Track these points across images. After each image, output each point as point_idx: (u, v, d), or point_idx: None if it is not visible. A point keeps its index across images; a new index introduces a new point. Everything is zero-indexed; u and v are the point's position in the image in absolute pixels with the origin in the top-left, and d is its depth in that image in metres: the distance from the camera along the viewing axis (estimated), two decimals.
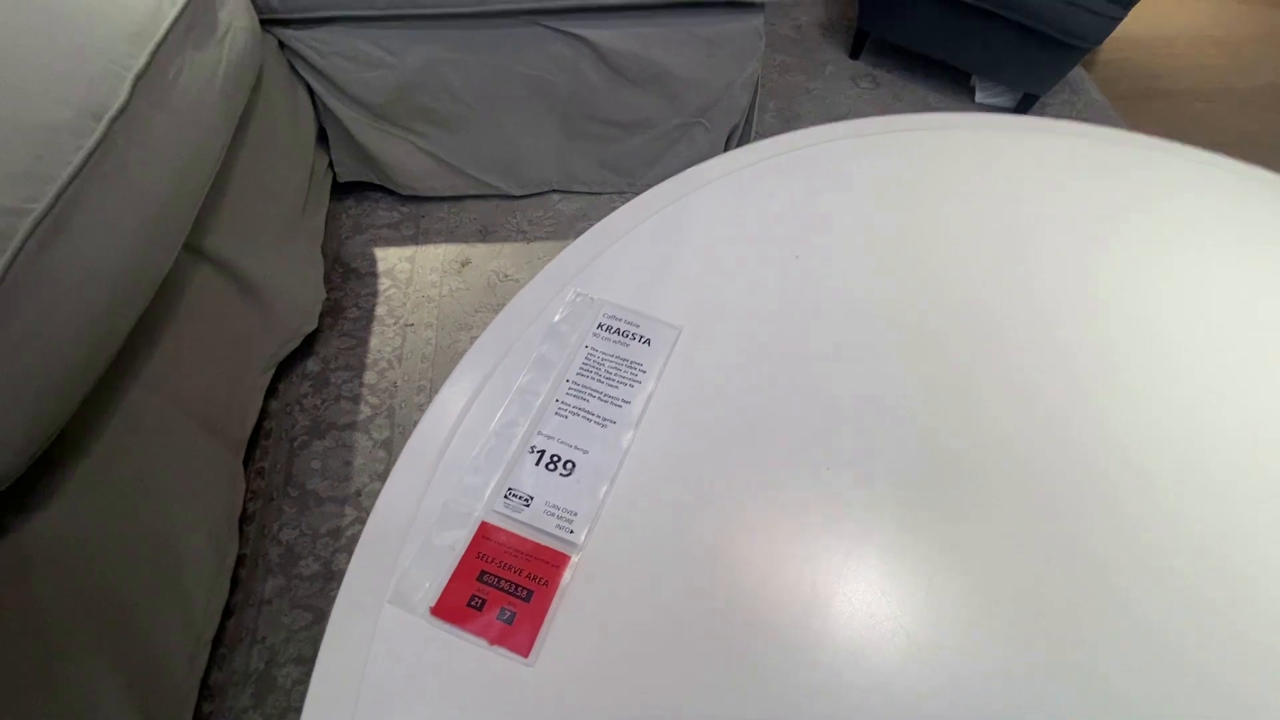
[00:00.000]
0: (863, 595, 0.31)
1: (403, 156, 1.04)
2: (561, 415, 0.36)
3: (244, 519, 0.77)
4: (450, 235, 1.08)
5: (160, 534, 0.60)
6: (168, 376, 0.64)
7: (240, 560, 0.74)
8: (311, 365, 0.92)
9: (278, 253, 0.84)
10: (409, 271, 1.04)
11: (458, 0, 0.84)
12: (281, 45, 0.89)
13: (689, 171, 0.49)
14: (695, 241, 0.45)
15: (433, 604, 0.30)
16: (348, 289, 1.01)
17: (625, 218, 0.46)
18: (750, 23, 0.92)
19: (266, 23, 0.84)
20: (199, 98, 0.64)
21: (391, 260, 1.05)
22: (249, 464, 0.82)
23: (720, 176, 0.49)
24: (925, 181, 0.49)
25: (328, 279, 0.99)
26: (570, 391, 0.37)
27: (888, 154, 0.51)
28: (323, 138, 1.02)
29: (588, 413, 0.36)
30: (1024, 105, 1.30)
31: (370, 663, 0.29)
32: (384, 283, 1.02)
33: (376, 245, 1.07)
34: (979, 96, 1.34)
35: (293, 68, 0.92)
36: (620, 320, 0.40)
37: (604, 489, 0.34)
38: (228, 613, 0.70)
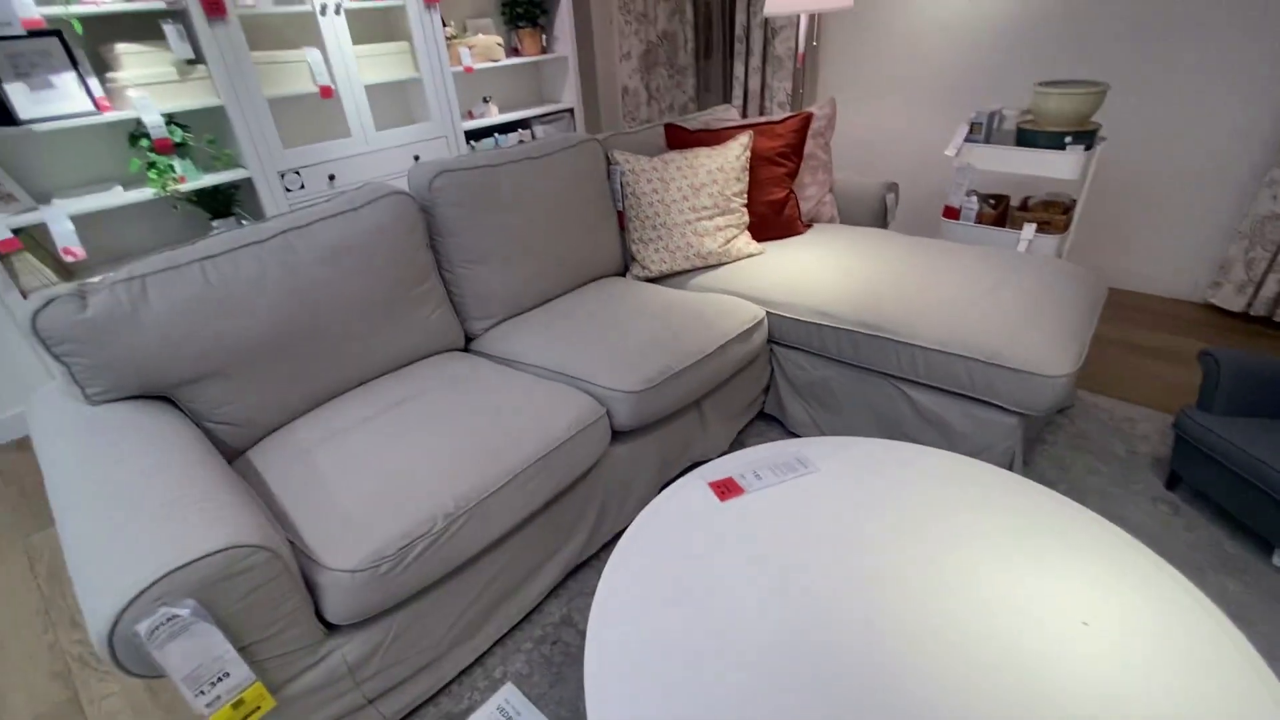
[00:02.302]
0: None
1: (803, 420, 2.00)
2: None
3: None
4: None
5: None
6: None
7: None
8: None
9: None
10: None
11: (862, 360, 1.80)
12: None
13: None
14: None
15: None
16: None
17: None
18: (1008, 421, 1.58)
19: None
20: None
21: None
22: None
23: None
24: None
25: None
26: None
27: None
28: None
29: None
30: None
31: None
32: None
33: None
34: (1276, 559, 1.51)
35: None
36: None
37: None
38: None
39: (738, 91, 3.84)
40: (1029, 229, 2.22)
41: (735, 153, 2.09)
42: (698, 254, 2.10)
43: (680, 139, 2.28)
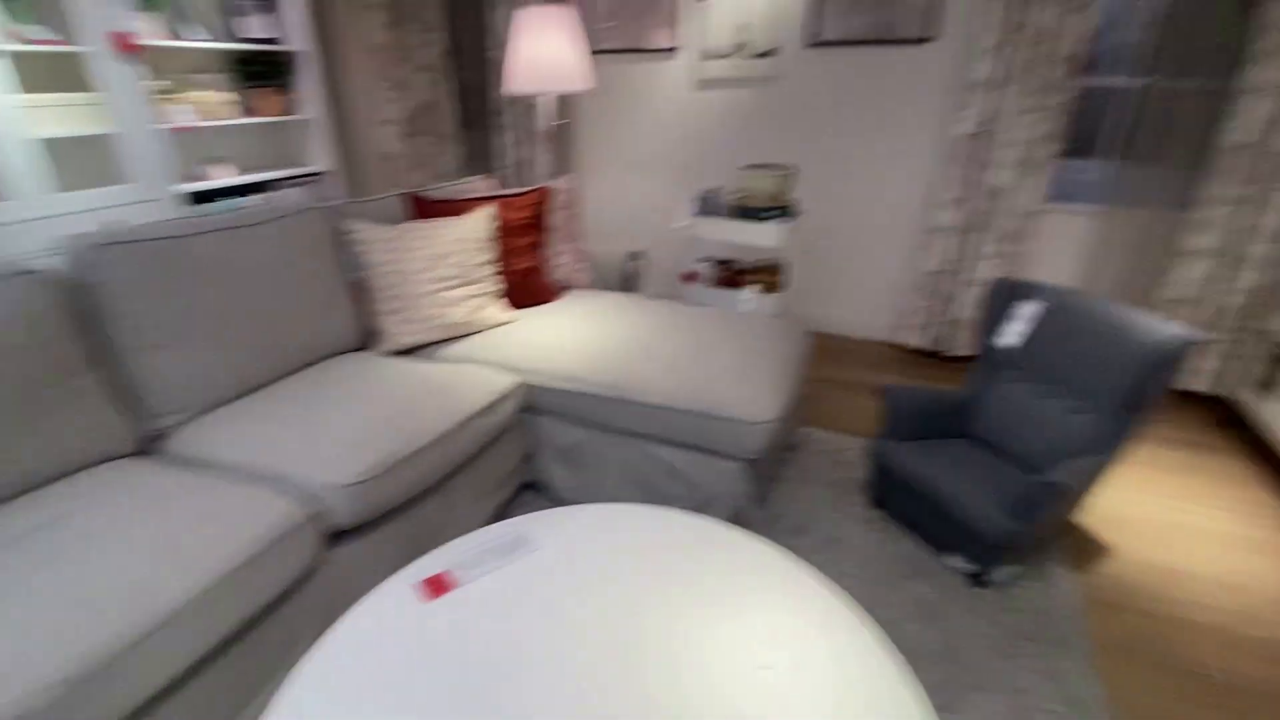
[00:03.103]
0: None
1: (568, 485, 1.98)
2: None
3: None
4: None
5: None
6: None
7: None
8: None
9: None
10: None
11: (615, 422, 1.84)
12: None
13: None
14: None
15: None
16: None
17: None
18: (732, 467, 1.71)
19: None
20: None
21: None
22: None
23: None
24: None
25: None
26: None
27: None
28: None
29: None
30: (977, 577, 1.72)
31: None
32: None
33: None
34: (945, 558, 1.81)
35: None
36: None
37: None
38: None
39: (507, 161, 3.92)
40: (750, 290, 2.52)
41: (478, 223, 2.08)
42: (446, 324, 2.02)
43: (423, 209, 2.22)
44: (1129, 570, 1.80)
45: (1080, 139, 2.83)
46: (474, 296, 2.06)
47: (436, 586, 1.06)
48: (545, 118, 2.77)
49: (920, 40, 2.80)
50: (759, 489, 1.88)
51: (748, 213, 2.46)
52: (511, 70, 2.45)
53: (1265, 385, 2.28)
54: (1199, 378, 2.72)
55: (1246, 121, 2.39)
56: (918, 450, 1.88)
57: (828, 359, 3.16)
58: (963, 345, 3.08)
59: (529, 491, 2.10)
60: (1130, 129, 2.66)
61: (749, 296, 2.52)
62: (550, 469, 1.99)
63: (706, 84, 3.28)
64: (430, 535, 1.65)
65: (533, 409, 1.94)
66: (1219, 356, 2.66)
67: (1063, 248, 2.91)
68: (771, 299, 2.54)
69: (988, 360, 2.00)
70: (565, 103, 3.61)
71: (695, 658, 0.92)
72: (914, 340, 3.21)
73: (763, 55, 3.08)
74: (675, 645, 0.94)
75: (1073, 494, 1.65)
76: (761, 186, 2.41)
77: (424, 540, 1.63)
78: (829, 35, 2.93)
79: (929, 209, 3.04)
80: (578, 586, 1.05)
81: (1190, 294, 2.65)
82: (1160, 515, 2.04)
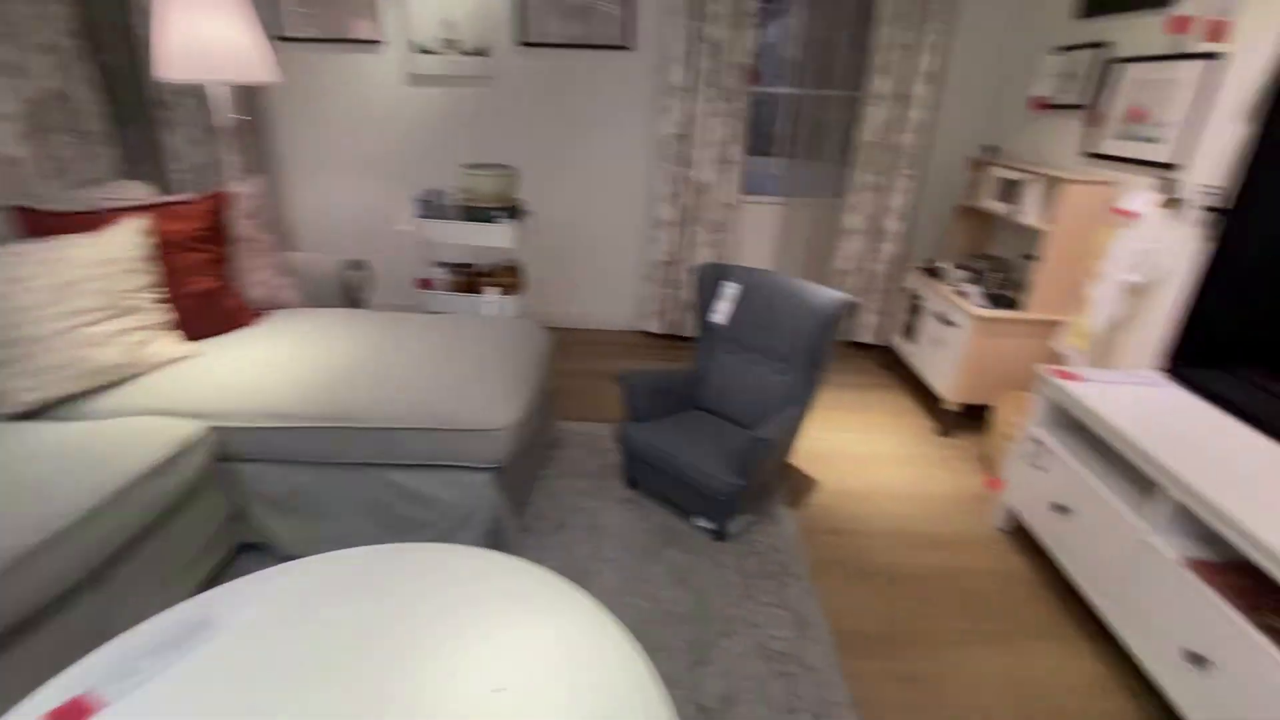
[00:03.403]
0: None
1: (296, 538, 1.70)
2: None
3: None
4: None
5: None
6: None
7: None
8: None
9: None
10: None
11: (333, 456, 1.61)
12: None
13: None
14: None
15: None
16: None
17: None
18: (481, 478, 1.64)
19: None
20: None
21: None
22: None
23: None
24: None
25: None
26: None
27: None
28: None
29: None
30: (719, 532, 1.90)
31: None
32: None
33: None
34: (693, 520, 1.97)
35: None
36: None
37: None
38: None
39: (184, 164, 3.25)
40: (491, 293, 2.46)
41: (126, 239, 1.67)
42: (91, 370, 1.59)
43: (40, 225, 1.72)
44: (830, 498, 2.16)
45: (761, 140, 3.30)
46: (131, 331, 1.65)
47: (71, 715, 0.81)
48: (222, 112, 2.34)
49: (621, 48, 2.99)
50: (516, 495, 1.84)
51: (475, 214, 2.38)
52: (164, 53, 2.01)
53: (908, 332, 2.92)
54: (866, 331, 3.38)
55: (872, 123, 3.01)
56: (657, 428, 2.01)
57: (580, 353, 3.25)
58: (693, 326, 3.40)
59: (249, 554, 1.77)
60: (793, 131, 3.18)
61: (491, 299, 2.45)
62: (267, 523, 1.70)
63: (420, 80, 3.10)
64: (94, 643, 1.28)
65: (232, 457, 1.63)
66: (875, 312, 3.34)
67: (760, 233, 3.38)
68: (512, 300, 2.50)
69: (706, 337, 2.22)
70: (250, 95, 3.12)
71: (426, 698, 0.83)
72: (655, 326, 3.45)
73: (475, 54, 3.01)
74: (402, 692, 0.84)
75: (782, 443, 1.92)
76: (485, 187, 2.35)
77: (85, 651, 1.26)
78: (535, 37, 2.97)
79: (652, 203, 3.28)
80: (271, 666, 0.88)
81: (851, 265, 3.27)
82: (849, 447, 2.48)
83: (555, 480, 2.15)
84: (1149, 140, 2.06)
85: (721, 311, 2.14)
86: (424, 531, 1.67)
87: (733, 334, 2.15)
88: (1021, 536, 2.01)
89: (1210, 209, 1.80)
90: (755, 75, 3.00)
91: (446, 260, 2.76)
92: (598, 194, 3.29)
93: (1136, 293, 2.03)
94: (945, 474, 2.32)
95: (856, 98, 3.06)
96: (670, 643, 1.55)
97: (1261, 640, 1.14)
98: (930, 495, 2.20)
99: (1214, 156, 1.82)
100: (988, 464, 2.36)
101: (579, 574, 1.75)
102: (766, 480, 2.01)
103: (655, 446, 1.92)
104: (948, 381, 2.52)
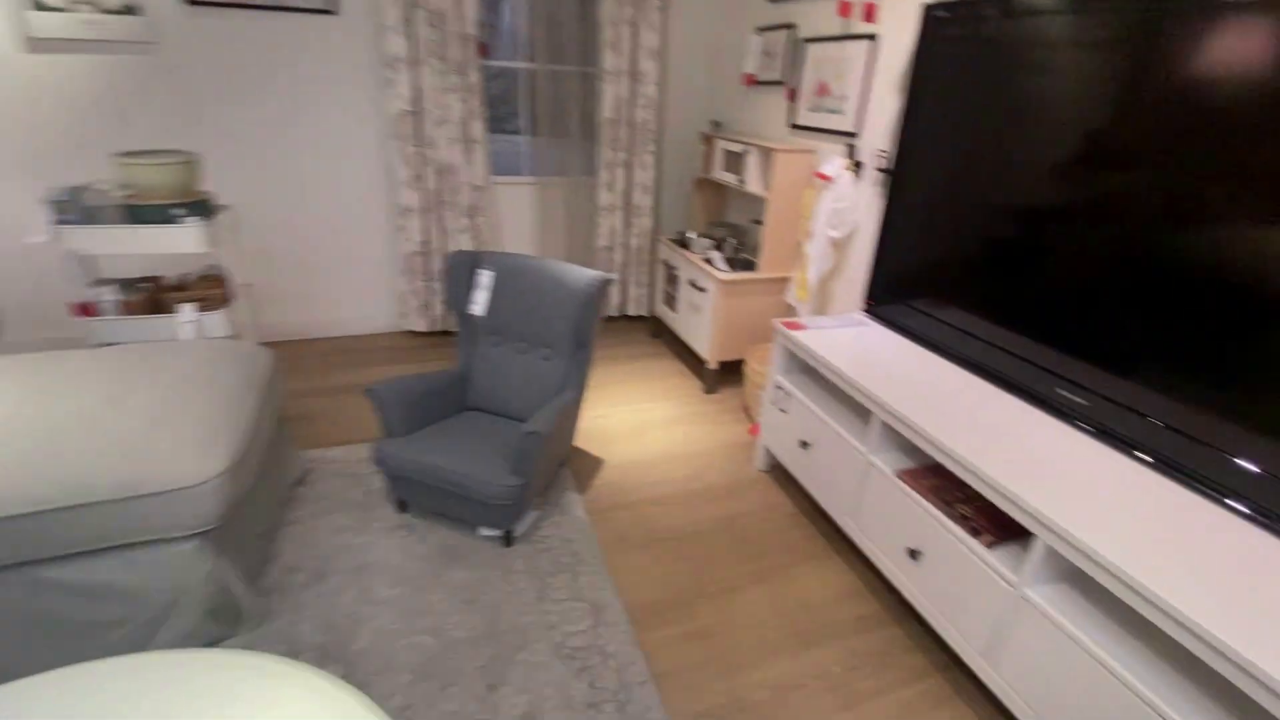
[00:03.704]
0: None
1: None
2: None
3: None
4: None
5: None
6: None
7: None
8: None
9: None
10: None
11: None
12: None
13: None
14: None
15: None
16: None
17: None
18: (188, 548, 1.31)
19: None
20: None
21: None
22: None
23: None
24: None
25: None
26: None
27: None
28: None
29: None
30: (506, 537, 1.79)
31: None
32: None
33: None
34: (478, 532, 1.83)
35: None
36: None
37: None
38: None
39: None
40: (188, 310, 1.99)
41: None
42: None
43: None
44: (616, 474, 2.17)
45: (504, 117, 3.15)
46: None
47: None
48: None
49: (323, 11, 2.59)
50: (247, 556, 1.52)
51: (146, 214, 1.88)
52: None
53: (668, 300, 3.07)
54: (633, 304, 3.49)
55: (610, 100, 3.04)
56: (419, 440, 1.81)
57: (331, 365, 2.84)
58: (453, 321, 3.19)
59: None
60: (534, 109, 3.08)
61: (187, 318, 1.98)
62: None
63: (42, 45, 2.36)
64: None
65: None
66: (637, 285, 3.45)
67: (519, 216, 3.25)
68: (218, 317, 2.05)
69: (467, 331, 2.06)
70: None
71: None
72: (421, 324, 3.16)
73: (121, 11, 2.37)
74: None
75: (560, 430, 1.85)
76: (153, 179, 1.86)
77: None
78: None
79: (394, 189, 2.95)
80: None
81: (611, 241, 3.32)
82: (628, 419, 2.53)
83: (309, 522, 1.84)
84: (833, 112, 2.36)
85: (479, 302, 1.99)
86: (111, 634, 1.29)
87: (494, 324, 2.02)
88: (780, 473, 2.23)
89: (881, 170, 2.12)
90: (483, 48, 2.83)
91: (114, 277, 2.16)
92: (326, 181, 2.87)
93: (839, 246, 2.34)
94: (715, 428, 2.49)
95: (592, 74, 3.07)
96: (462, 673, 1.41)
97: (955, 528, 1.38)
98: (704, 451, 2.33)
99: (880, 125, 2.15)
100: (748, 414, 2.59)
101: (347, 627, 1.51)
102: (549, 471, 1.95)
103: (419, 462, 1.73)
104: (706, 343, 2.70)
